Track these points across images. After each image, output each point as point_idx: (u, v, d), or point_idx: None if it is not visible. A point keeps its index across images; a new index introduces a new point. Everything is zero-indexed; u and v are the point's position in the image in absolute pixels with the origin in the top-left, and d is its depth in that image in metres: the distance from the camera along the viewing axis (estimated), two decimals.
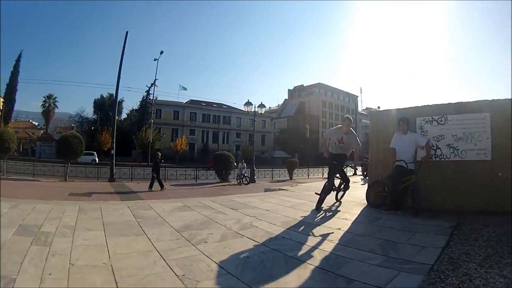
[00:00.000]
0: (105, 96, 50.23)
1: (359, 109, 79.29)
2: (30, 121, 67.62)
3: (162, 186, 10.57)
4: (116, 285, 2.14)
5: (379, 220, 4.44)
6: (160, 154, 12.22)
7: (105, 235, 3.39)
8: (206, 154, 31.99)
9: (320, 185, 10.33)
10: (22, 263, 2.44)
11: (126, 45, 15.43)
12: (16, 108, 47.96)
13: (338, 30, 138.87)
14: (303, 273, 2.43)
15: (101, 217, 4.36)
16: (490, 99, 4.98)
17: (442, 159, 5.16)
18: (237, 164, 15.79)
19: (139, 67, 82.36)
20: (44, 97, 56.03)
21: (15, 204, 4.96)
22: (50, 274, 2.27)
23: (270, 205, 5.87)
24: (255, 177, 16.38)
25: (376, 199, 5.51)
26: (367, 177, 13.86)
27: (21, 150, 40.91)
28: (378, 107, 74.63)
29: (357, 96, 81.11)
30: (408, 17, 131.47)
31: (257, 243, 3.26)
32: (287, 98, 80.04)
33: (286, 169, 19.72)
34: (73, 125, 61.16)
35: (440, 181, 5.09)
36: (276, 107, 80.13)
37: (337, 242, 3.32)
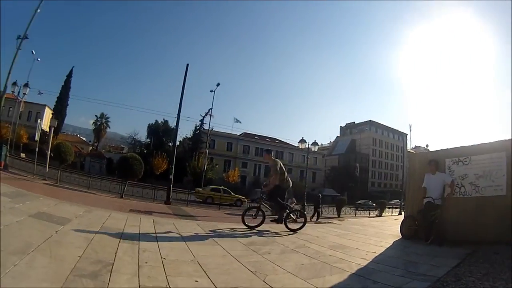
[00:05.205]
0: (159, 122, 52.26)
1: (408, 147, 74.05)
2: (78, 135, 70.86)
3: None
4: (205, 273, 2.89)
5: (407, 248, 5.21)
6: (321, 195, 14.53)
7: (185, 242, 4.22)
8: (257, 187, 32.74)
9: (364, 221, 12.45)
10: (116, 253, 3.05)
11: (187, 76, 15.36)
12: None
13: (390, 66, 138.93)
14: (343, 276, 3.27)
15: (176, 229, 5.31)
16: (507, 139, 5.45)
17: (465, 195, 5.70)
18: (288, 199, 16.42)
19: (195, 97, 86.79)
20: (96, 115, 60.68)
21: (88, 209, 5.96)
22: (146, 263, 2.89)
23: (319, 233, 6.93)
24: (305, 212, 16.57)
25: (408, 231, 6.14)
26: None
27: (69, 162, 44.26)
28: (427, 146, 71.87)
29: (407, 134, 74.79)
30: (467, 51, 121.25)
31: (309, 257, 4.11)
32: (338, 135, 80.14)
33: (335, 206, 19.74)
34: (122, 145, 63.98)
35: (463, 215, 5.57)
36: (328, 144, 79.37)
37: (370, 260, 4.11)
